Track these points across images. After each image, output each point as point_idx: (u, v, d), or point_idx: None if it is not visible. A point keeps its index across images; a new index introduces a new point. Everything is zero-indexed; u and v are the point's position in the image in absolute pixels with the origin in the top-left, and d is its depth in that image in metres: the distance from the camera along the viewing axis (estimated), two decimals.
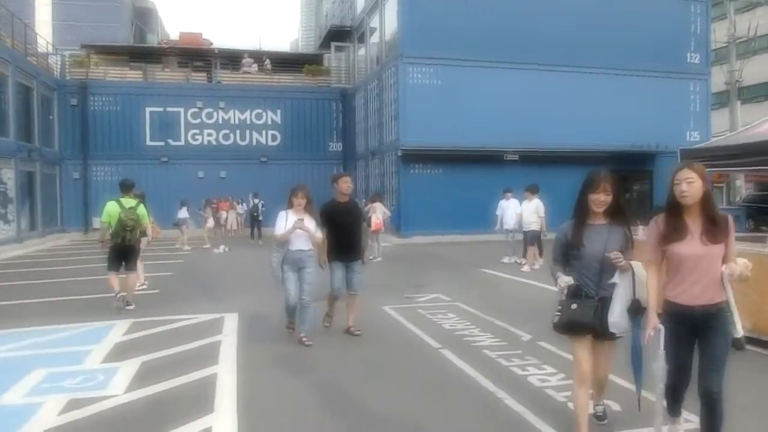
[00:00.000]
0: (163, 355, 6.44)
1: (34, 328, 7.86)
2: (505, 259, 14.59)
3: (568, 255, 3.89)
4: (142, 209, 9.29)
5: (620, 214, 3.85)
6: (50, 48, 28.83)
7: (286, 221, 6.74)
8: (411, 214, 21.88)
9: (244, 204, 24.11)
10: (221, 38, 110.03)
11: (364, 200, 17.14)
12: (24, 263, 16.43)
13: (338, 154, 28.93)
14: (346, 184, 7.36)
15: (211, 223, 19.91)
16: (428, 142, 21.50)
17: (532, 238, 13.48)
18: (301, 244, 6.82)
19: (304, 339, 6.83)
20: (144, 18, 52.07)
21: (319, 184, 28.65)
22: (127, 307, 9.05)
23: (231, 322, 8.05)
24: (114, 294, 9.17)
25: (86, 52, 29.39)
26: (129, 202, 9.20)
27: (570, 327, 3.81)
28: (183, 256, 16.92)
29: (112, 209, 9.01)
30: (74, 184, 25.90)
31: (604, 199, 3.74)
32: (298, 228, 6.67)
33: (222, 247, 18.52)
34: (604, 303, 3.75)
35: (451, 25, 21.85)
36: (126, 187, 9.42)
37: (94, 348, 6.76)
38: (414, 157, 21.78)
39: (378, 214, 15.98)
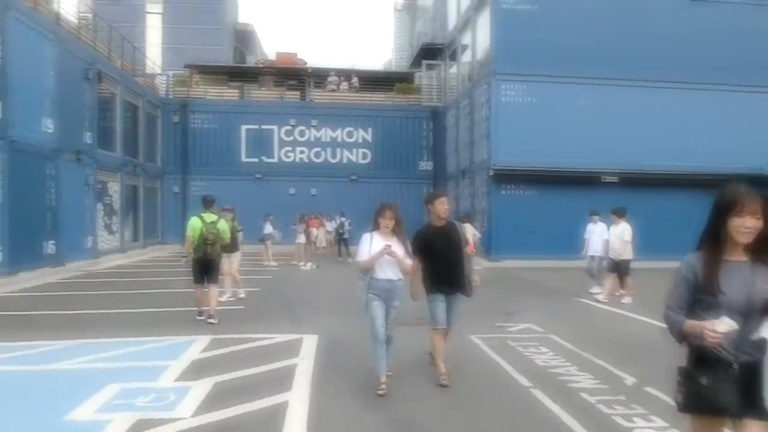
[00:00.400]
0: (237, 376, 6.20)
1: (119, 339, 7.91)
2: (594, 289, 13.28)
3: (694, 301, 2.83)
4: (222, 224, 9.53)
5: (765, 247, 2.78)
6: (156, 68, 30.46)
7: (370, 245, 5.81)
8: (502, 237, 21.08)
9: (334, 221, 24.21)
10: (317, 58, 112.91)
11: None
12: (124, 273, 17.10)
13: (428, 173, 28.59)
14: (443, 206, 6.35)
15: (302, 239, 19.84)
16: (521, 161, 20.70)
17: (624, 267, 12.28)
18: (389, 272, 5.83)
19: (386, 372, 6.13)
20: (244, 40, 54.35)
21: (409, 203, 28.40)
22: (209, 320, 9.15)
23: (310, 344, 7.76)
24: (197, 309, 9.54)
25: (189, 72, 30.82)
26: (210, 216, 9.45)
27: (703, 408, 2.76)
28: (271, 272, 17.03)
29: (195, 223, 9.28)
30: (174, 197, 26.99)
31: (752, 225, 2.71)
32: (385, 254, 5.72)
33: (309, 264, 18.61)
34: (749, 372, 2.68)
35: (545, 40, 21.01)
36: (207, 203, 9.77)
37: (171, 364, 6.64)
38: (506, 177, 21.03)
39: (468, 236, 15.38)
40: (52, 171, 16.57)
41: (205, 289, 9.41)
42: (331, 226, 24.40)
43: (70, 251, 17.29)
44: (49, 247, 16.27)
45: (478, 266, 17.81)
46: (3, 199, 14.06)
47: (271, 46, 49.83)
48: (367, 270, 5.86)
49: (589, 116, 21.12)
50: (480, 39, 23.52)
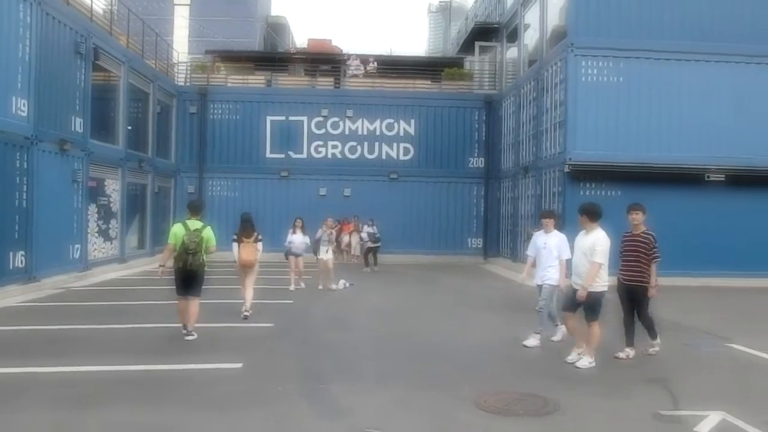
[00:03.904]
0: None
1: None
2: (556, 337, 8.56)
3: None
4: (208, 232, 8.52)
5: None
6: (175, 55, 27.16)
7: None
8: None
9: (374, 226, 20.52)
10: (352, 48, 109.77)
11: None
12: (111, 291, 13.64)
13: (479, 171, 24.66)
14: None
15: (328, 253, 14.45)
16: (604, 155, 16.77)
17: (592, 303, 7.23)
18: None
19: None
20: (276, 33, 51.27)
21: (456, 206, 24.68)
22: (187, 338, 8.30)
23: None
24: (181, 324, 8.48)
25: (211, 58, 27.49)
26: (195, 224, 8.55)
27: None
28: (291, 295, 13.14)
29: (177, 231, 8.48)
30: (189, 198, 23.55)
31: None
32: None
33: (342, 282, 14.56)
34: None
35: (637, 4, 17.11)
36: (194, 208, 8.95)
37: None
38: (585, 174, 17.04)
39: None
40: (24, 164, 13.19)
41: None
42: (368, 230, 20.71)
43: (47, 264, 13.89)
44: (17, 259, 12.86)
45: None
46: None
47: (304, 41, 46.59)
48: None
49: (690, 100, 17.15)
50: (551, 10, 19.57)
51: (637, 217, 7.81)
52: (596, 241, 7.16)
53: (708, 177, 17.09)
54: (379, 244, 20.17)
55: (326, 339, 8.61)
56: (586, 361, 7.14)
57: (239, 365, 6.84)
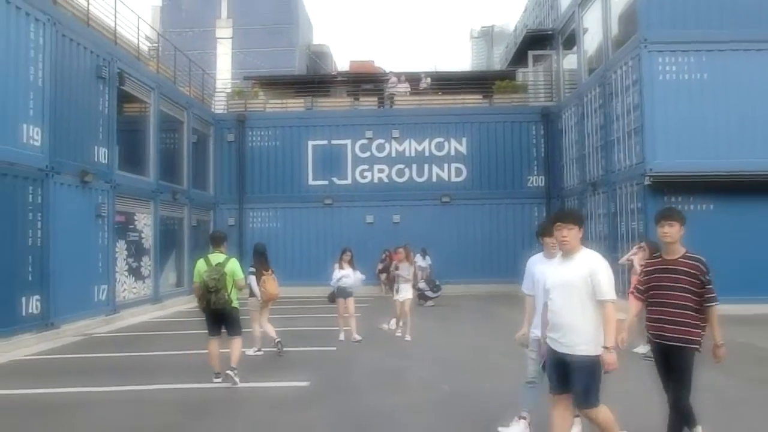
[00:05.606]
0: None
1: None
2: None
3: None
4: (232, 265, 7.63)
5: None
6: (212, 81, 26.16)
7: None
8: None
9: (428, 257, 18.64)
10: (395, 69, 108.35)
11: (630, 254, 10.50)
12: (133, 338, 12.09)
13: (540, 191, 22.52)
14: None
15: (408, 292, 11.81)
16: (691, 164, 14.50)
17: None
18: None
19: None
20: (318, 61, 50.48)
21: (515, 229, 22.52)
22: (227, 372, 7.48)
23: None
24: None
25: (249, 84, 26.38)
26: (217, 257, 7.74)
27: None
28: (334, 341, 11.09)
29: (199, 267, 7.73)
30: (229, 231, 22.18)
31: None
32: None
33: (393, 321, 12.26)
34: None
35: None
36: (216, 240, 8.10)
37: None
38: (670, 187, 14.77)
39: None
40: (38, 199, 11.92)
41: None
42: (423, 261, 18.83)
43: (68, 308, 12.52)
44: (32, 304, 11.51)
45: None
46: None
47: (346, 67, 45.45)
48: None
49: None
50: (614, 8, 17.56)
51: (672, 232, 4.75)
52: (595, 267, 4.29)
53: None
54: (439, 294, 17.78)
55: (375, 405, 6.68)
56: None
57: None
